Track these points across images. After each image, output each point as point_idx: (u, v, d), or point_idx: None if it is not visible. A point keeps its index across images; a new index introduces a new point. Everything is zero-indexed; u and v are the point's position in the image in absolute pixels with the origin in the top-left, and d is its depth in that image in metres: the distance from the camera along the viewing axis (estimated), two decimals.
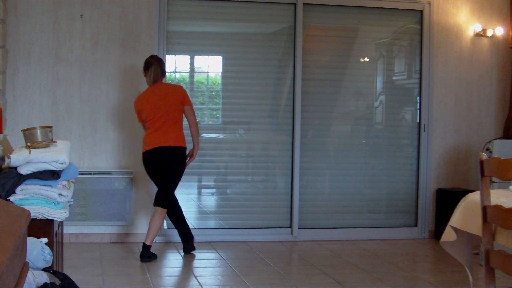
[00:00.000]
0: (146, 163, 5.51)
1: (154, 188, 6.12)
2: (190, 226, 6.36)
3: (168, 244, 6.05)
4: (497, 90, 6.80)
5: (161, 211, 5.48)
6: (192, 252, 5.71)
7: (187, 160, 5.55)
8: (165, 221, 6.19)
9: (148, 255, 5.41)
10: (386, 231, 6.58)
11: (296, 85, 6.35)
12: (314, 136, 6.54)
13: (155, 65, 5.45)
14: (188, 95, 5.56)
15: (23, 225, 2.14)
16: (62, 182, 3.35)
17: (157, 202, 5.49)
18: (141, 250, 5.44)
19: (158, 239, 6.11)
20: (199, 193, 6.58)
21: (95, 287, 4.61)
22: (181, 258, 5.61)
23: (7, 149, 3.68)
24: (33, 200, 3.20)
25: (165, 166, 5.44)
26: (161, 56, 6.10)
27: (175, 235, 6.11)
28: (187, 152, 5.56)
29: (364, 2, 6.51)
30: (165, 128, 5.39)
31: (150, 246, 5.42)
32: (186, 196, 6.40)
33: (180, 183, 6.37)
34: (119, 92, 6.07)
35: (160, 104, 5.39)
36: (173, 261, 5.62)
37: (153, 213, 5.50)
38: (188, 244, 5.71)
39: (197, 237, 6.19)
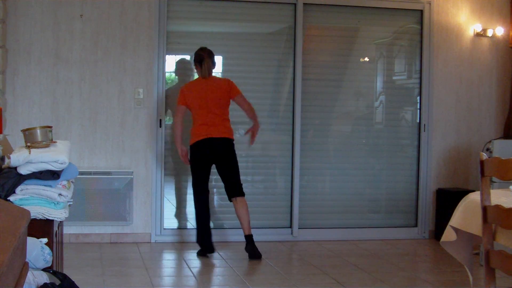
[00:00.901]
0: (197, 153, 5.54)
1: (154, 188, 6.12)
2: (190, 226, 6.36)
3: (168, 244, 6.05)
4: (497, 90, 6.79)
5: (241, 200, 5.59)
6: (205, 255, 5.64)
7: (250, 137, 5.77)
8: (172, 221, 6.20)
9: (254, 252, 5.52)
10: (386, 231, 6.58)
11: (296, 85, 6.35)
12: (314, 136, 6.54)
13: (206, 58, 5.56)
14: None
15: (23, 225, 2.14)
16: (62, 182, 3.35)
17: (233, 194, 5.60)
18: (245, 244, 5.55)
19: (158, 239, 6.11)
20: None
21: (95, 287, 4.61)
22: (181, 258, 5.60)
23: (7, 149, 3.67)
24: (33, 200, 3.20)
25: (221, 157, 5.53)
26: (161, 56, 6.11)
27: (175, 235, 6.12)
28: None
29: (364, 2, 6.51)
30: (217, 121, 5.52)
31: (251, 235, 5.57)
32: (186, 196, 6.39)
33: (180, 183, 6.39)
34: (119, 92, 6.07)
35: (212, 97, 5.52)
36: (173, 261, 5.62)
37: (235, 206, 5.60)
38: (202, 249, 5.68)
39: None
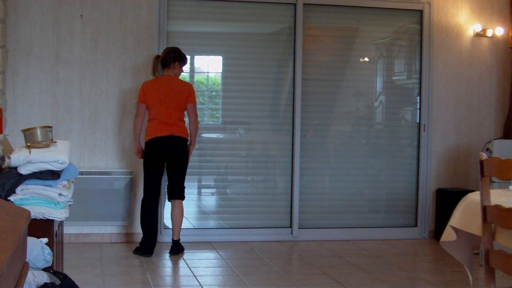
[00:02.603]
0: (151, 151, 5.55)
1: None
2: (190, 226, 6.37)
3: (168, 244, 6.05)
4: (497, 90, 6.80)
5: (179, 203, 5.63)
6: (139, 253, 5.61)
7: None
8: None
9: (178, 249, 5.63)
10: (386, 231, 6.58)
11: (296, 85, 6.35)
12: (314, 136, 6.54)
13: (156, 57, 5.65)
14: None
15: (23, 225, 2.14)
16: (62, 182, 3.35)
17: (173, 195, 5.63)
18: (171, 247, 5.66)
19: (158, 238, 6.10)
20: (199, 193, 6.58)
21: (95, 287, 4.61)
22: (181, 258, 5.60)
23: (7, 149, 3.68)
24: (33, 200, 3.20)
25: (173, 156, 5.54)
26: None
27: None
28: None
29: (364, 2, 6.51)
30: (172, 120, 5.52)
31: (179, 240, 5.66)
32: (186, 196, 6.39)
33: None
34: (119, 92, 6.07)
35: (166, 98, 5.52)
36: (173, 261, 5.61)
37: (172, 208, 5.64)
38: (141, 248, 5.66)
39: (197, 237, 6.21)
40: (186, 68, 6.48)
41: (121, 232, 6.09)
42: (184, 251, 5.71)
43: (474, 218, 3.33)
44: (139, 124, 5.60)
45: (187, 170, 5.70)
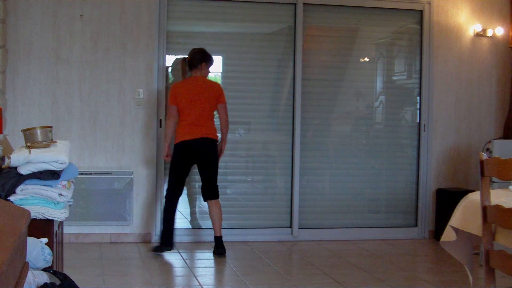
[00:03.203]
0: (181, 153, 5.57)
1: (154, 188, 6.12)
2: (191, 226, 6.37)
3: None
4: (497, 90, 6.80)
5: (216, 202, 5.66)
6: (159, 252, 5.66)
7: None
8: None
9: (222, 248, 5.62)
10: (386, 231, 6.58)
11: (296, 85, 6.35)
12: (314, 136, 6.54)
13: (183, 59, 5.76)
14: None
15: (23, 225, 2.14)
16: (62, 182, 3.35)
17: (208, 196, 5.67)
18: (214, 244, 5.65)
19: (158, 239, 6.10)
20: (199, 193, 6.57)
21: (95, 287, 4.61)
22: (181, 258, 5.60)
23: (7, 149, 3.68)
24: (33, 200, 3.20)
25: (204, 158, 5.59)
26: (161, 56, 6.11)
27: (175, 235, 6.11)
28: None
29: (364, 2, 6.51)
30: (203, 122, 5.57)
31: (221, 236, 5.66)
32: (186, 196, 6.39)
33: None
34: (119, 92, 6.07)
35: (197, 98, 5.56)
36: (173, 261, 5.61)
37: (209, 207, 5.68)
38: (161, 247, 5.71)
39: (197, 237, 6.20)
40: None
41: (121, 232, 6.09)
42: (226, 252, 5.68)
43: (474, 218, 3.33)
44: (171, 127, 5.61)
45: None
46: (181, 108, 5.57)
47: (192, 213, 6.45)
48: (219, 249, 5.64)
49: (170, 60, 6.29)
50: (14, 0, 5.84)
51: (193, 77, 5.64)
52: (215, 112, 5.72)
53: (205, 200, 5.74)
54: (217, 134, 5.70)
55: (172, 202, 5.67)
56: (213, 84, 5.71)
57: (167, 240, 5.66)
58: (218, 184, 5.72)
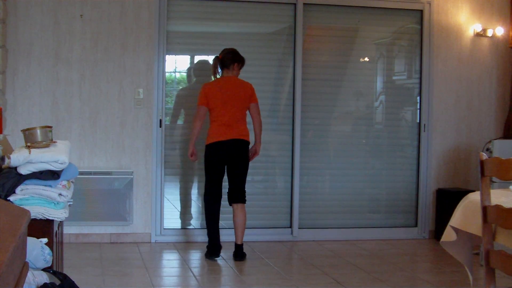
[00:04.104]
0: (214, 154, 5.49)
1: (154, 188, 6.12)
2: (190, 226, 6.36)
3: (168, 244, 6.05)
4: (497, 90, 6.80)
5: (242, 207, 5.53)
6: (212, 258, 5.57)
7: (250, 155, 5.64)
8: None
9: (242, 255, 5.51)
10: (386, 231, 6.58)
11: (296, 85, 6.35)
12: (314, 136, 6.54)
13: (216, 58, 5.61)
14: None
15: (23, 225, 2.14)
16: (62, 182, 3.35)
17: (235, 199, 5.54)
18: (234, 251, 5.54)
19: (158, 239, 6.11)
20: (199, 193, 6.57)
21: (95, 287, 4.61)
22: (181, 258, 5.60)
23: (7, 149, 3.68)
24: (33, 200, 3.20)
25: (234, 160, 5.48)
26: (161, 56, 6.11)
27: (175, 235, 6.12)
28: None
29: (364, 2, 6.51)
30: (234, 122, 5.47)
31: (242, 245, 5.54)
32: (186, 196, 6.39)
33: (181, 183, 6.39)
34: (119, 92, 6.07)
35: (229, 99, 5.47)
36: (173, 261, 5.62)
37: (234, 211, 5.54)
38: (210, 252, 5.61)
39: (197, 237, 6.20)
40: (185, 68, 6.49)
41: (121, 232, 6.08)
42: (246, 257, 5.58)
43: (474, 218, 3.33)
44: (198, 127, 5.51)
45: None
46: (213, 109, 5.47)
47: (193, 213, 6.45)
48: (238, 256, 5.53)
49: (170, 60, 6.29)
50: (14, 0, 5.84)
51: (225, 77, 5.54)
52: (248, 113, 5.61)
53: (230, 204, 5.58)
54: (248, 135, 5.56)
55: (213, 206, 5.55)
56: (245, 84, 5.59)
57: (213, 248, 5.54)
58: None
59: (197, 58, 6.55)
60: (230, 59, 5.53)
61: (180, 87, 6.50)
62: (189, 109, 6.20)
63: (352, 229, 6.52)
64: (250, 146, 5.60)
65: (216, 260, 5.50)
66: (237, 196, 5.54)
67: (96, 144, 6.05)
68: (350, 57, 6.66)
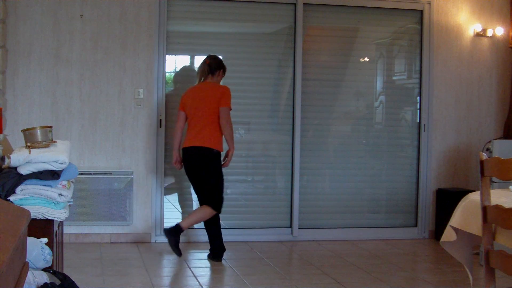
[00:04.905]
0: (183, 161, 5.49)
1: (154, 188, 6.13)
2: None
3: (167, 244, 6.04)
4: (497, 90, 6.80)
5: (209, 209, 5.40)
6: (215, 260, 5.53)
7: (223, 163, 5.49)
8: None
9: (175, 234, 5.35)
10: (386, 231, 6.59)
11: (296, 85, 6.35)
12: (314, 136, 6.54)
13: (203, 64, 5.51)
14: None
15: (23, 225, 2.14)
16: (62, 182, 3.35)
17: (201, 202, 5.48)
18: (172, 227, 5.39)
19: (158, 239, 6.11)
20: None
21: (95, 287, 4.61)
22: (181, 258, 5.60)
23: (7, 149, 3.68)
24: (33, 200, 3.20)
25: (198, 167, 5.40)
26: (161, 56, 6.10)
27: None
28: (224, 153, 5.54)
29: (364, 2, 6.51)
30: (200, 129, 5.37)
31: (181, 230, 5.38)
32: (187, 196, 6.39)
33: (181, 183, 6.38)
34: (119, 92, 6.07)
35: (199, 104, 5.39)
36: (173, 261, 5.61)
37: (200, 206, 5.48)
38: (213, 254, 5.56)
39: (197, 237, 6.20)
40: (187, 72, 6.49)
41: (121, 232, 6.09)
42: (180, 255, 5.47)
43: (474, 218, 3.33)
44: (176, 132, 5.51)
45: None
46: (187, 114, 5.47)
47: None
48: (170, 232, 5.39)
49: (170, 60, 6.30)
50: (14, 0, 5.84)
51: (205, 82, 5.50)
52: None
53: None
54: (217, 142, 5.39)
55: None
56: (219, 87, 5.46)
57: (216, 249, 5.53)
58: (220, 197, 5.44)
59: (197, 58, 6.55)
60: (216, 65, 5.50)
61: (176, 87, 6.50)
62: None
63: (352, 229, 6.52)
64: (223, 153, 5.48)
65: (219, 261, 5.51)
66: (206, 201, 5.45)
67: (96, 144, 6.05)
68: (350, 57, 6.66)
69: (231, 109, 5.43)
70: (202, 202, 5.51)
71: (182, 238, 6.10)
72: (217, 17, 6.36)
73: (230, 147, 5.47)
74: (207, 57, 5.56)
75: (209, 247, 5.60)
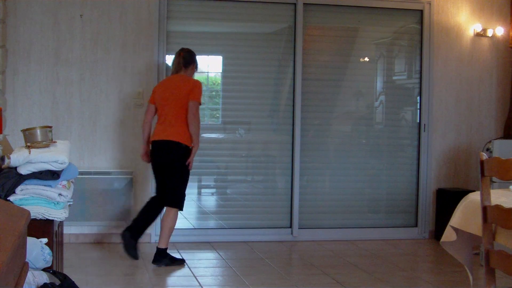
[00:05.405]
0: (151, 154, 5.36)
1: (154, 188, 6.12)
2: (191, 226, 6.36)
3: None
4: (497, 90, 6.79)
5: (174, 212, 5.27)
6: (130, 253, 5.32)
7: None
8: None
9: (161, 258, 5.23)
10: (386, 231, 6.58)
11: (296, 85, 6.35)
12: (314, 136, 6.54)
13: (177, 57, 5.38)
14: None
15: (23, 225, 2.14)
16: (62, 182, 3.35)
17: (168, 203, 5.29)
18: (154, 254, 5.26)
19: (158, 239, 6.10)
20: (199, 193, 6.58)
21: (95, 287, 4.61)
22: (181, 258, 5.60)
23: (7, 149, 3.68)
24: (33, 200, 3.20)
25: (165, 162, 5.28)
26: (161, 56, 6.10)
27: (174, 235, 6.11)
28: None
29: (364, 2, 6.51)
30: (168, 122, 5.24)
31: (165, 249, 5.27)
32: (187, 196, 6.38)
33: None
34: (119, 92, 6.07)
35: (169, 96, 5.26)
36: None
37: (164, 214, 5.32)
38: (128, 241, 5.30)
39: (197, 237, 6.20)
40: None
41: (121, 232, 6.07)
42: (167, 265, 5.26)
43: (474, 218, 3.33)
44: (144, 125, 5.40)
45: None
46: (157, 107, 5.33)
47: (192, 213, 6.45)
48: (154, 259, 5.24)
49: (170, 60, 6.29)
50: (14, 0, 5.84)
51: (175, 75, 5.36)
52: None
53: (165, 206, 5.33)
54: (186, 137, 5.20)
55: (149, 202, 5.41)
56: (190, 81, 5.28)
57: (130, 246, 5.30)
58: (186, 193, 5.30)
59: (197, 58, 6.53)
60: (190, 58, 5.37)
61: None
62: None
63: (352, 229, 6.52)
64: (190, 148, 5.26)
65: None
66: (168, 199, 5.29)
67: (96, 144, 6.05)
68: (350, 57, 6.66)
69: (200, 104, 5.29)
70: (167, 199, 5.30)
71: (181, 238, 6.10)
72: (217, 17, 6.36)
73: (195, 143, 5.23)
74: (181, 49, 5.42)
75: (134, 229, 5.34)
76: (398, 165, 6.73)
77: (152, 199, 5.47)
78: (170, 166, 5.26)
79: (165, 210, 5.32)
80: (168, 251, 5.48)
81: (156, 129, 5.32)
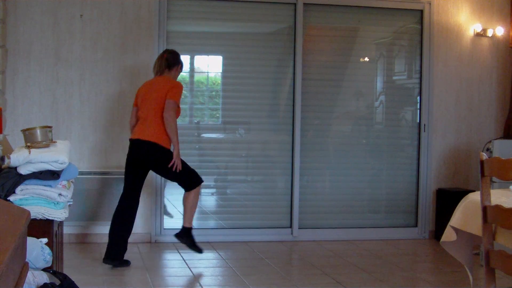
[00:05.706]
0: (128, 152, 5.30)
1: (154, 188, 6.12)
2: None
3: (167, 244, 6.05)
4: (497, 90, 6.79)
5: (191, 193, 5.28)
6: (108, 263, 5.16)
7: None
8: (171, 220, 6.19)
9: (184, 236, 5.35)
10: (386, 231, 6.58)
11: (296, 85, 6.35)
12: (314, 136, 6.54)
13: (159, 58, 5.35)
14: (182, 94, 5.25)
15: (23, 225, 2.14)
16: (62, 182, 3.35)
17: (184, 188, 5.31)
18: (180, 231, 5.37)
19: (158, 239, 6.11)
20: (199, 193, 6.57)
21: (95, 287, 4.61)
22: (181, 258, 5.60)
23: (7, 149, 3.68)
24: (33, 200, 3.20)
25: (147, 162, 5.22)
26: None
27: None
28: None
29: (364, 2, 6.51)
30: (148, 122, 5.19)
31: (190, 228, 5.35)
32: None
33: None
34: (119, 92, 6.07)
35: (148, 97, 5.22)
36: (173, 261, 5.61)
37: (183, 196, 5.34)
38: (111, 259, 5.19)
39: (197, 237, 6.18)
40: (186, 68, 6.49)
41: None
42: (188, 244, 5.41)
43: (474, 218, 3.33)
44: (131, 129, 5.37)
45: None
46: (138, 108, 5.30)
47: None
48: (179, 236, 5.38)
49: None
50: (14, 0, 5.84)
51: (158, 77, 5.32)
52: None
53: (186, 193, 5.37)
54: (164, 137, 5.14)
55: (116, 213, 5.27)
56: (171, 81, 5.23)
57: (115, 257, 5.16)
58: (190, 173, 5.27)
59: (197, 58, 6.55)
60: (174, 59, 5.34)
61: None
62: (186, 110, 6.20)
63: (352, 229, 6.52)
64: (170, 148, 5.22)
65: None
66: (181, 186, 5.32)
67: (96, 144, 6.05)
68: (350, 57, 6.66)
69: (179, 106, 5.20)
70: (132, 197, 5.26)
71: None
72: (217, 17, 6.36)
73: (174, 145, 5.13)
74: (165, 51, 5.40)
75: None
76: (398, 165, 6.73)
77: (120, 204, 5.30)
78: (156, 166, 5.24)
79: (184, 193, 5.35)
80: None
81: (135, 129, 5.27)
